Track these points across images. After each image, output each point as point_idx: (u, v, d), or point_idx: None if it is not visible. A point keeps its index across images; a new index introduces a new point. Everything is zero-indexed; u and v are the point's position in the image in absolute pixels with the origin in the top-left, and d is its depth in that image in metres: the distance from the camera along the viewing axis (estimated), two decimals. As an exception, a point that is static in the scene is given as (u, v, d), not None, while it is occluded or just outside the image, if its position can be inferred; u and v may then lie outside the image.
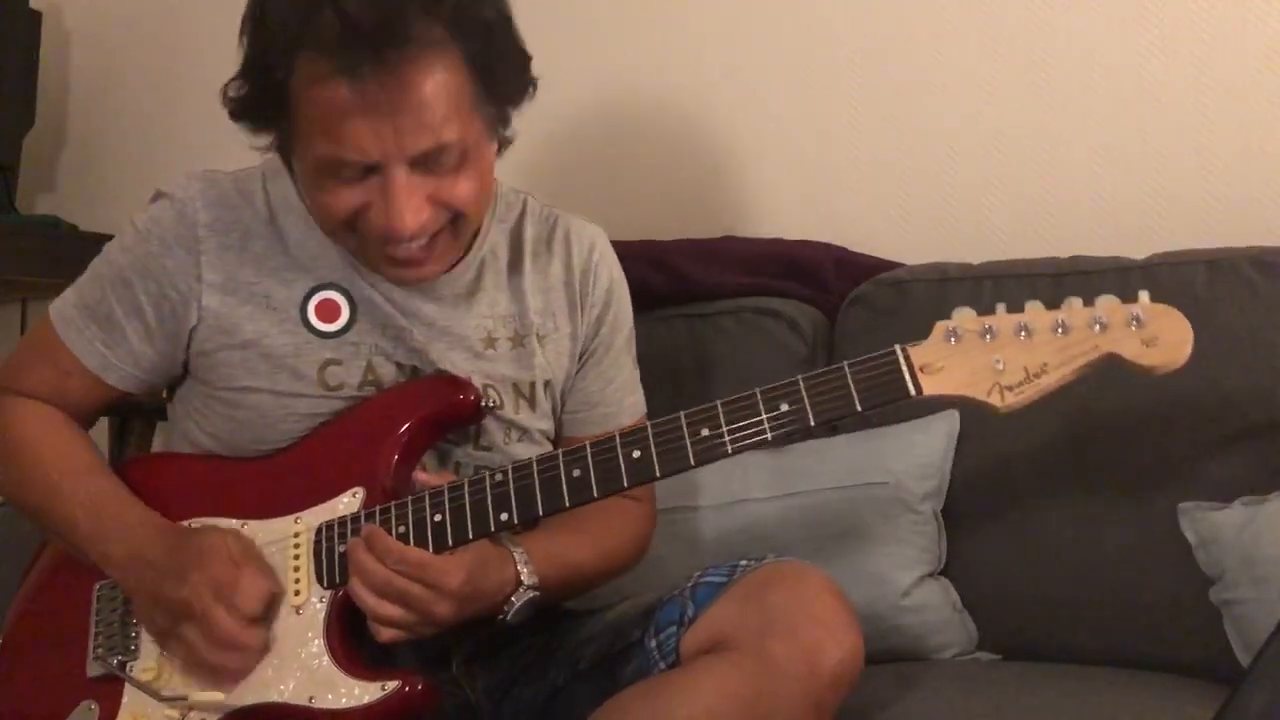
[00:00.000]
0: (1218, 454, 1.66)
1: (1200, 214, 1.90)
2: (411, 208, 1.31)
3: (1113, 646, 1.66)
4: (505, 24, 1.36)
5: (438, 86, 1.28)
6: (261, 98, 1.33)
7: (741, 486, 1.78)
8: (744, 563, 1.33)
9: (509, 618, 1.35)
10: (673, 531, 1.77)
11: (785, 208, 2.17)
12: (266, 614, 1.33)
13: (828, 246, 2.06)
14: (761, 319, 1.97)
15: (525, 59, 1.39)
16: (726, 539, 1.77)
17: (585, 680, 1.40)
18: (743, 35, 2.20)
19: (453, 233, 1.39)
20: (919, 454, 1.77)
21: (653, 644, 1.33)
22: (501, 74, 1.35)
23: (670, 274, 2.01)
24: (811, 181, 2.16)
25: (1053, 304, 1.76)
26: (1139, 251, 1.80)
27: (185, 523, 1.41)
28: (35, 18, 2.66)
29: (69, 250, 2.53)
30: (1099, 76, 1.97)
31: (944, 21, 2.07)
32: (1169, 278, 1.74)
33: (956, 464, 1.78)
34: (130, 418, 2.36)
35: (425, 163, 1.31)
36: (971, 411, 1.29)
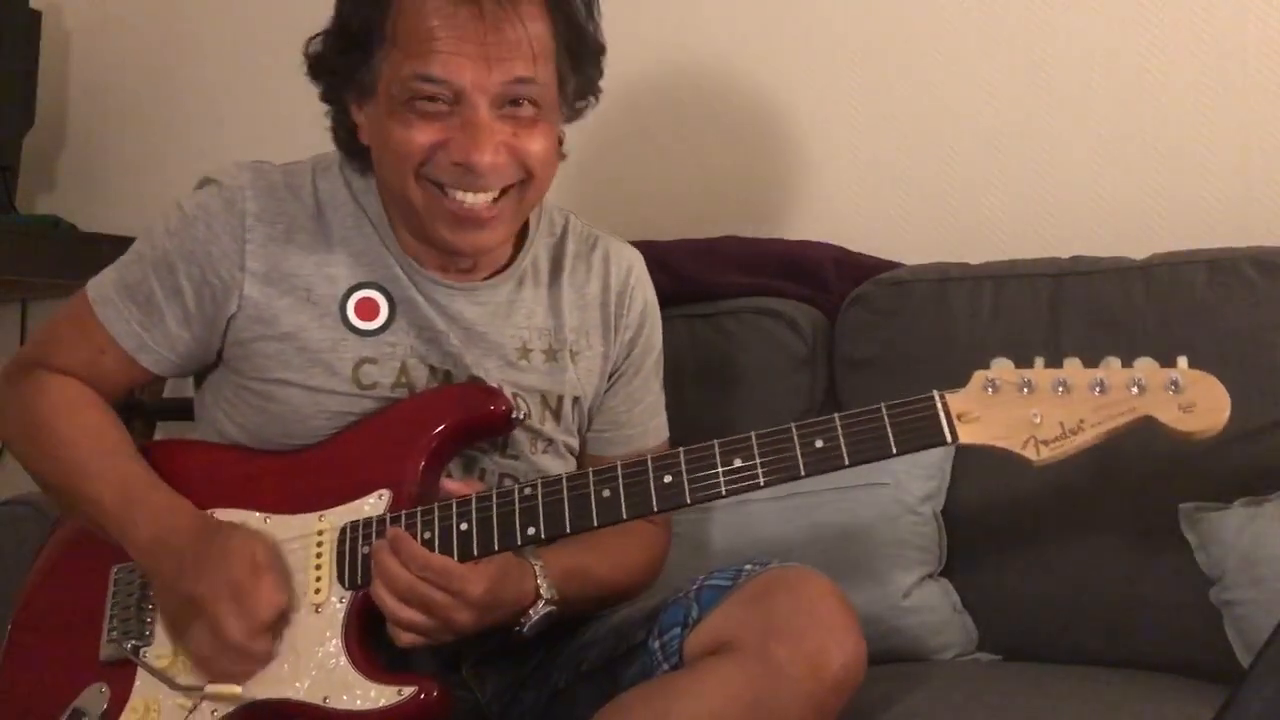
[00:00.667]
0: (1218, 454, 1.65)
1: (1200, 214, 1.91)
2: (491, 144, 1.34)
3: (1113, 647, 1.66)
4: (592, 9, 1.43)
5: (532, 27, 1.34)
6: (359, 36, 1.36)
7: (742, 487, 1.78)
8: (748, 567, 1.33)
9: (525, 630, 1.35)
10: (676, 533, 1.77)
11: (785, 208, 2.17)
12: (277, 625, 1.33)
13: (828, 246, 2.06)
14: (761, 319, 1.97)
15: (600, 47, 1.44)
16: (728, 539, 1.78)
17: (588, 682, 1.41)
18: (742, 35, 2.20)
19: (518, 197, 1.41)
20: (919, 454, 1.76)
21: (656, 646, 1.33)
22: (581, 49, 1.41)
23: (671, 274, 2.01)
24: (811, 181, 2.16)
25: (1054, 301, 1.79)
26: (1139, 251, 1.80)
27: (210, 512, 1.41)
28: (35, 18, 2.65)
29: (69, 250, 2.54)
30: (1099, 76, 1.98)
31: (944, 21, 2.07)
32: (1169, 278, 1.74)
33: (957, 465, 1.78)
34: (131, 418, 2.35)
35: (507, 104, 1.35)
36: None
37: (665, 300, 1.99)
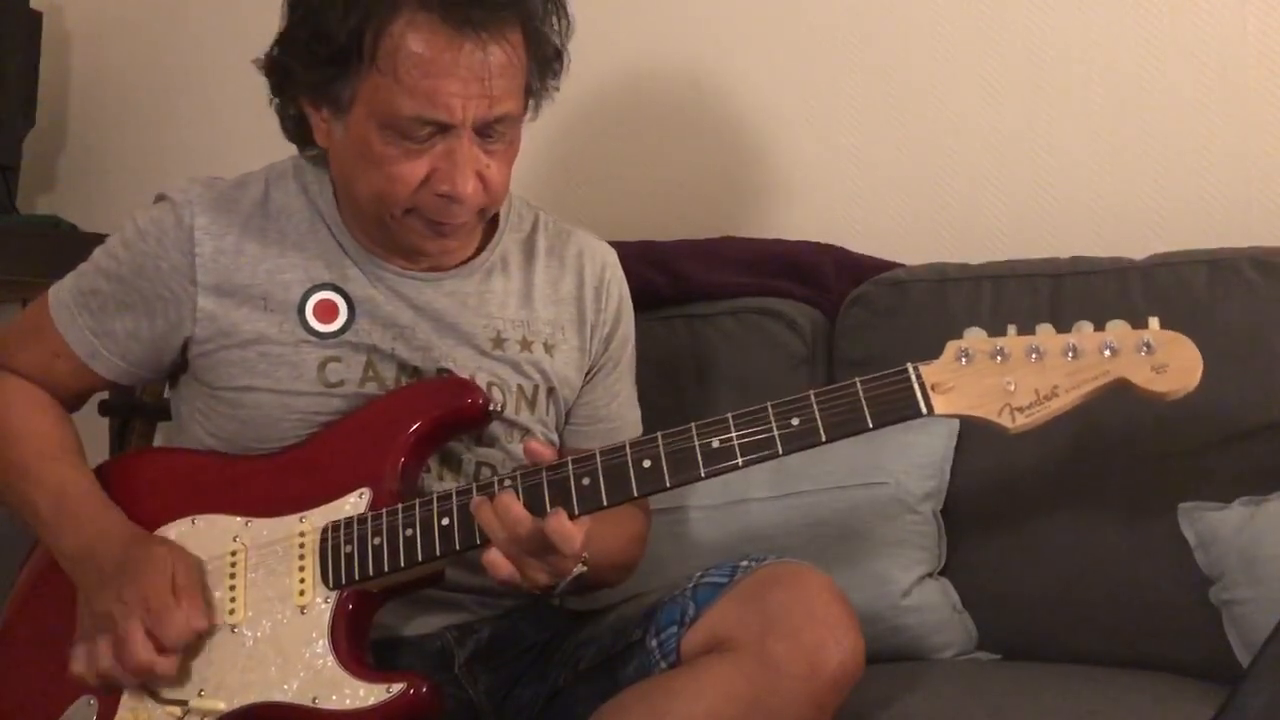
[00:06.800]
0: (1217, 454, 1.66)
1: (1200, 214, 1.91)
2: (472, 175, 1.36)
3: (1113, 646, 1.66)
4: (560, 9, 1.41)
5: (512, 55, 1.34)
6: (340, 51, 1.33)
7: (741, 486, 1.78)
8: (745, 563, 1.33)
9: (559, 589, 1.35)
10: (673, 531, 1.77)
11: (785, 208, 2.18)
12: (187, 648, 1.33)
13: (828, 246, 2.06)
14: (761, 319, 1.97)
15: (559, 53, 1.43)
16: (727, 539, 1.77)
17: (586, 680, 1.41)
18: (743, 35, 2.20)
19: (479, 217, 1.43)
20: (919, 454, 1.77)
21: (654, 644, 1.33)
22: (547, 58, 1.41)
23: (670, 274, 2.01)
24: (811, 181, 2.16)
25: (1053, 301, 1.79)
26: (1139, 251, 1.80)
27: (188, 519, 1.41)
28: (35, 18, 2.65)
29: (69, 250, 2.50)
30: (1099, 76, 1.98)
31: (944, 21, 2.07)
32: (1169, 278, 1.74)
33: (956, 464, 1.78)
34: (130, 418, 2.36)
35: (485, 133, 1.35)
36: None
37: (665, 300, 2.00)
